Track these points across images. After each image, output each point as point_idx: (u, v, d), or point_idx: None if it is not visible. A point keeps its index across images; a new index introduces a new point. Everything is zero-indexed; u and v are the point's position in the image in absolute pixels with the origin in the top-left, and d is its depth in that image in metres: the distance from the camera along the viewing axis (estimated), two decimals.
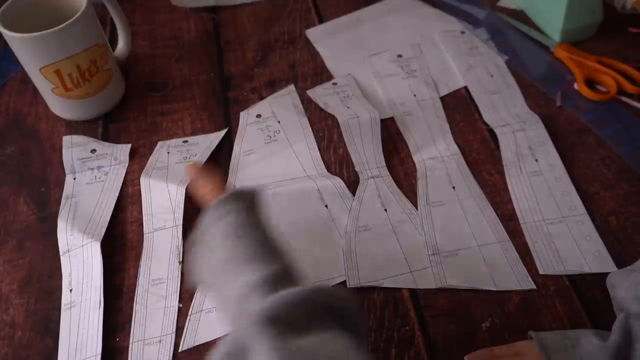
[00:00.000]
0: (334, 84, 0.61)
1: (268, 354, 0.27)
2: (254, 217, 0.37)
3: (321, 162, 0.54)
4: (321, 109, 0.59)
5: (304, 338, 0.28)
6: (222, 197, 0.37)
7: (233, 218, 0.36)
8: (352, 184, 0.52)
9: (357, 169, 0.52)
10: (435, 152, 0.54)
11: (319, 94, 0.60)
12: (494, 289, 0.44)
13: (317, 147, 0.55)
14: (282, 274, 0.33)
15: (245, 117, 0.58)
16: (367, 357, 0.29)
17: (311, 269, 0.45)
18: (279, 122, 0.57)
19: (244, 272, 0.34)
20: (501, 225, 0.48)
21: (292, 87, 0.61)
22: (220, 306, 0.35)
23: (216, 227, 0.36)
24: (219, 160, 0.55)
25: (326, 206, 0.49)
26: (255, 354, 0.28)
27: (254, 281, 0.32)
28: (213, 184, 0.41)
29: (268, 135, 0.56)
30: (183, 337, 0.43)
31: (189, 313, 0.44)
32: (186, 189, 0.49)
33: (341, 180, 0.51)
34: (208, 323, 0.43)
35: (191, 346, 0.42)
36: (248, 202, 0.37)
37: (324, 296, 0.31)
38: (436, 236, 0.47)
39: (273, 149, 0.55)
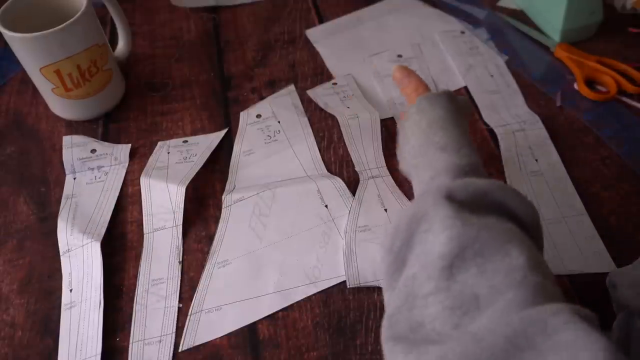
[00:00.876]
0: (334, 84, 0.61)
1: (441, 219, 0.30)
2: (457, 117, 0.40)
3: (321, 162, 0.54)
4: (321, 109, 0.59)
5: (476, 217, 0.31)
6: (431, 94, 0.42)
7: (439, 113, 0.40)
8: (352, 183, 0.52)
9: (357, 169, 0.52)
10: None
11: (319, 94, 0.60)
12: None
13: (317, 147, 0.55)
14: (470, 167, 0.36)
15: (245, 117, 0.58)
16: (536, 255, 0.30)
17: (311, 269, 0.45)
18: (279, 122, 0.57)
19: (437, 158, 0.37)
20: None
21: (292, 87, 0.61)
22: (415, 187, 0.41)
23: (422, 116, 0.41)
24: (219, 160, 0.55)
25: (326, 206, 0.49)
26: (430, 217, 0.31)
27: (444, 166, 0.36)
28: (418, 83, 0.45)
29: (268, 135, 0.56)
30: (183, 337, 0.43)
31: (189, 313, 0.44)
32: (187, 189, 0.49)
33: (341, 180, 0.51)
34: (208, 323, 0.43)
35: (191, 346, 0.42)
36: (455, 104, 0.41)
37: (507, 196, 0.33)
38: None
39: (273, 149, 0.55)
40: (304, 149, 0.55)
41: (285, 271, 0.46)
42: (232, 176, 0.53)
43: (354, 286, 0.44)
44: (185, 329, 0.43)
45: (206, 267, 0.46)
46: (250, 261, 0.46)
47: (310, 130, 0.57)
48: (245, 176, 0.53)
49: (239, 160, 0.54)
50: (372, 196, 0.50)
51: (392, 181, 0.52)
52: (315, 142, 0.55)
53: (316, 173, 0.53)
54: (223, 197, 0.51)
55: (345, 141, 0.54)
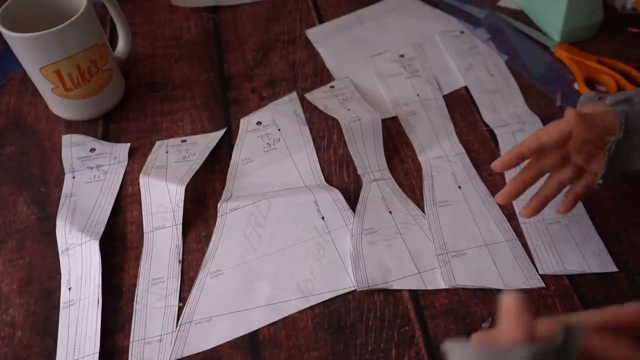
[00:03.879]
0: (332, 87, 0.61)
1: None
2: None
3: (320, 173, 0.53)
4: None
5: None
6: None
7: None
8: (353, 184, 0.52)
9: (359, 172, 0.52)
10: (441, 151, 0.54)
11: (318, 97, 0.60)
12: (502, 287, 0.44)
13: (316, 158, 0.54)
14: None
15: (246, 124, 0.58)
16: None
17: (305, 282, 0.45)
18: (279, 130, 0.57)
19: None
20: (508, 223, 0.48)
21: (294, 95, 0.60)
22: None
23: None
24: (219, 160, 0.55)
25: (323, 218, 0.49)
26: None
27: None
28: None
29: (268, 144, 0.56)
30: (172, 347, 0.42)
31: (179, 323, 0.43)
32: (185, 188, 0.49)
33: (339, 192, 0.50)
34: (197, 335, 0.43)
35: (179, 357, 0.41)
36: None
37: None
38: (444, 236, 0.47)
39: (272, 157, 0.55)
40: (303, 159, 0.54)
41: (278, 283, 0.45)
42: (230, 184, 0.53)
43: (363, 289, 0.44)
44: (173, 339, 0.42)
45: (198, 277, 0.46)
46: (243, 272, 0.46)
47: (310, 139, 0.56)
48: (242, 185, 0.52)
49: (237, 168, 0.54)
50: (376, 199, 0.50)
51: (395, 183, 0.51)
52: (314, 152, 0.55)
53: (314, 184, 0.52)
54: (219, 205, 0.50)
55: (347, 144, 0.54)
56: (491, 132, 0.55)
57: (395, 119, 0.58)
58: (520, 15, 0.69)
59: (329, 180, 0.53)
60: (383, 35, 0.67)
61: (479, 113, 0.58)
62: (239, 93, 0.62)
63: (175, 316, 0.44)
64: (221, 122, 0.59)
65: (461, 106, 0.59)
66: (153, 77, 0.64)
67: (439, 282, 0.44)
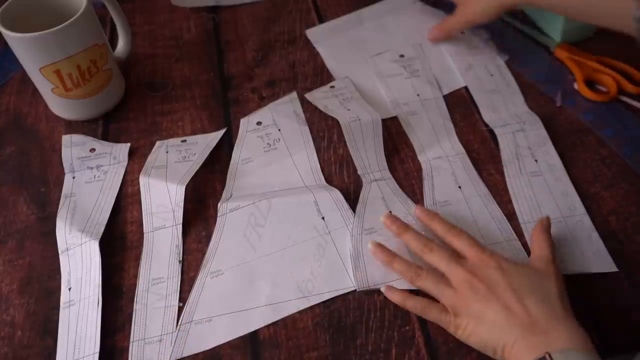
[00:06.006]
0: (332, 87, 0.61)
1: None
2: None
3: (320, 173, 0.53)
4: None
5: None
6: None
7: None
8: (353, 184, 0.52)
9: (359, 172, 0.52)
10: (441, 151, 0.54)
11: (318, 97, 0.60)
12: None
13: (316, 158, 0.54)
14: None
15: (246, 124, 0.58)
16: None
17: (305, 282, 0.45)
18: (279, 130, 0.57)
19: None
20: (508, 224, 0.48)
21: (294, 95, 0.60)
22: None
23: None
24: (219, 160, 0.55)
25: (323, 218, 0.49)
26: None
27: None
28: None
29: (268, 144, 0.56)
30: (172, 347, 0.42)
31: (179, 323, 0.43)
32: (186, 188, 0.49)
33: (339, 192, 0.50)
34: (197, 335, 0.42)
35: (179, 357, 0.41)
36: None
37: None
38: None
39: (272, 157, 0.54)
40: (304, 159, 0.54)
41: (278, 283, 0.45)
42: (230, 184, 0.53)
43: (363, 289, 0.44)
44: (173, 339, 0.42)
45: (198, 277, 0.46)
46: (244, 272, 0.46)
47: (310, 139, 0.56)
48: (242, 185, 0.52)
49: (237, 168, 0.54)
50: (376, 199, 0.50)
51: (395, 183, 0.51)
52: (314, 152, 0.55)
53: (314, 184, 0.52)
54: (219, 205, 0.50)
55: (347, 144, 0.54)
56: (491, 132, 0.55)
57: (395, 119, 0.58)
58: (520, 15, 0.68)
59: (329, 180, 0.53)
60: (383, 35, 0.67)
61: (479, 113, 0.58)
62: (239, 93, 0.62)
63: (175, 316, 0.44)
64: (221, 122, 0.59)
65: (461, 106, 0.59)
66: (153, 77, 0.64)
67: None
